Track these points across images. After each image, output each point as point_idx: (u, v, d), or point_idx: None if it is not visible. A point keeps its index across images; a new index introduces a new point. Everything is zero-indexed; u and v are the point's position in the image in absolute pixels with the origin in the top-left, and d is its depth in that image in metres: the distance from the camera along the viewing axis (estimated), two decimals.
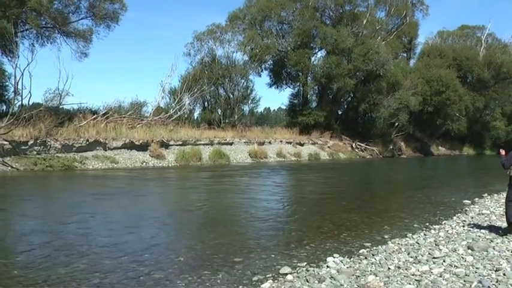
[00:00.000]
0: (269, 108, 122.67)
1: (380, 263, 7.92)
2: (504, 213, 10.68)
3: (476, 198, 16.67)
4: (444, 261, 7.89)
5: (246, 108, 53.63)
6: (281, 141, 44.73)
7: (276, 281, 7.13)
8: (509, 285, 6.57)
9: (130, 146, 31.87)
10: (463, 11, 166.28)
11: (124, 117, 35.25)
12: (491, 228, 10.67)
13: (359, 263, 8.03)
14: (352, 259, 8.33)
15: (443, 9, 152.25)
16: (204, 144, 36.79)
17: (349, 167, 38.07)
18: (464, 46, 74.71)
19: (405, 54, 70.91)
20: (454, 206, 15.08)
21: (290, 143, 45.58)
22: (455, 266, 7.62)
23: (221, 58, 48.88)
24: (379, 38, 55.08)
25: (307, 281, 7.00)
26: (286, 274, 7.46)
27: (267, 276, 7.44)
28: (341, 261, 8.11)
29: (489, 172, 32.03)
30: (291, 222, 12.38)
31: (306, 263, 8.16)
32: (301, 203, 16.71)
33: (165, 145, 34.09)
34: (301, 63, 49.73)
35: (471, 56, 69.70)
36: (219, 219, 12.67)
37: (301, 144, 46.63)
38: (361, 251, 8.95)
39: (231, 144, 39.52)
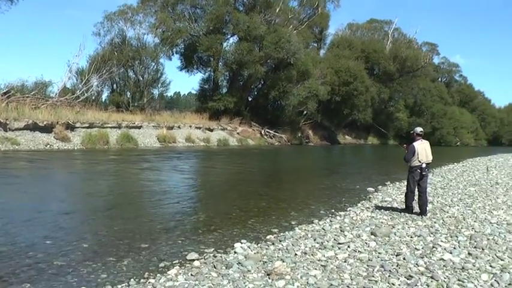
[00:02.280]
0: (179, 92, 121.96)
1: (287, 248, 8.00)
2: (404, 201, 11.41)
3: (380, 186, 17.23)
4: (349, 246, 8.10)
5: (156, 91, 53.04)
6: (190, 126, 44.52)
7: (182, 267, 7.03)
8: (409, 269, 6.85)
9: (33, 127, 30.52)
10: (373, 5, 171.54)
11: (27, 97, 33.75)
12: (393, 215, 11.08)
13: (266, 248, 8.06)
14: (259, 245, 8.35)
15: (354, 2, 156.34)
16: (111, 127, 35.91)
17: (257, 153, 38.38)
18: (372, 39, 77.51)
19: (316, 44, 72.24)
20: (358, 193, 15.50)
21: (199, 128, 45.45)
22: (359, 251, 7.84)
23: (132, 40, 47.87)
24: (291, 27, 55.73)
25: (215, 267, 6.95)
26: (193, 260, 7.38)
27: (174, 262, 7.33)
28: (248, 247, 8.11)
29: (391, 161, 33.19)
30: (199, 208, 12.31)
31: (213, 248, 8.11)
32: (210, 188, 16.70)
33: (70, 127, 32.93)
34: (213, 48, 49.57)
35: (378, 49, 72.37)
36: (126, 205, 12.39)
37: (211, 130, 46.63)
38: (268, 237, 8.99)
39: (139, 127, 38.88)
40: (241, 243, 8.39)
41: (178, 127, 43.13)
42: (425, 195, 11.21)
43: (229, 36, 54.94)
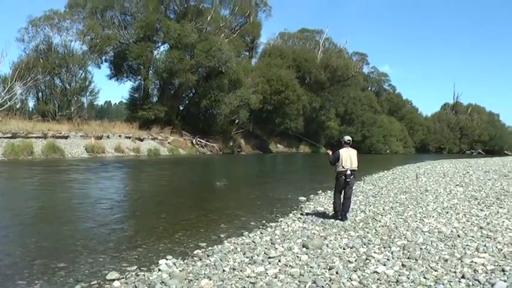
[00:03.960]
0: (110, 101, 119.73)
1: (215, 264, 7.61)
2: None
3: (312, 195, 17.05)
4: (280, 261, 7.78)
5: (84, 100, 51.69)
6: (120, 136, 43.54)
7: None
8: (342, 284, 6.58)
9: None
10: (304, 15, 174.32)
11: None
12: (325, 225, 10.87)
13: (193, 265, 7.66)
14: (186, 261, 7.95)
15: (285, 11, 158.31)
16: (36, 137, 34.68)
17: (188, 163, 37.92)
18: (303, 48, 78.16)
19: (247, 53, 72.29)
20: (290, 203, 15.25)
21: (129, 137, 44.49)
22: (290, 265, 7.53)
23: (58, 46, 46.47)
24: (223, 35, 55.60)
25: None
26: (113, 280, 6.90)
27: (92, 283, 6.82)
28: (174, 264, 7.69)
29: (323, 170, 33.28)
30: (124, 222, 11.76)
31: (136, 266, 7.64)
32: (136, 200, 16.18)
33: None
34: (143, 56, 48.86)
35: (310, 58, 73.04)
36: (45, 220, 11.71)
37: (141, 140, 45.72)
38: (195, 252, 8.57)
39: (66, 137, 37.67)
40: (167, 259, 7.98)
41: (108, 137, 42.07)
42: (348, 202, 11.65)
43: (159, 44, 54.36)
